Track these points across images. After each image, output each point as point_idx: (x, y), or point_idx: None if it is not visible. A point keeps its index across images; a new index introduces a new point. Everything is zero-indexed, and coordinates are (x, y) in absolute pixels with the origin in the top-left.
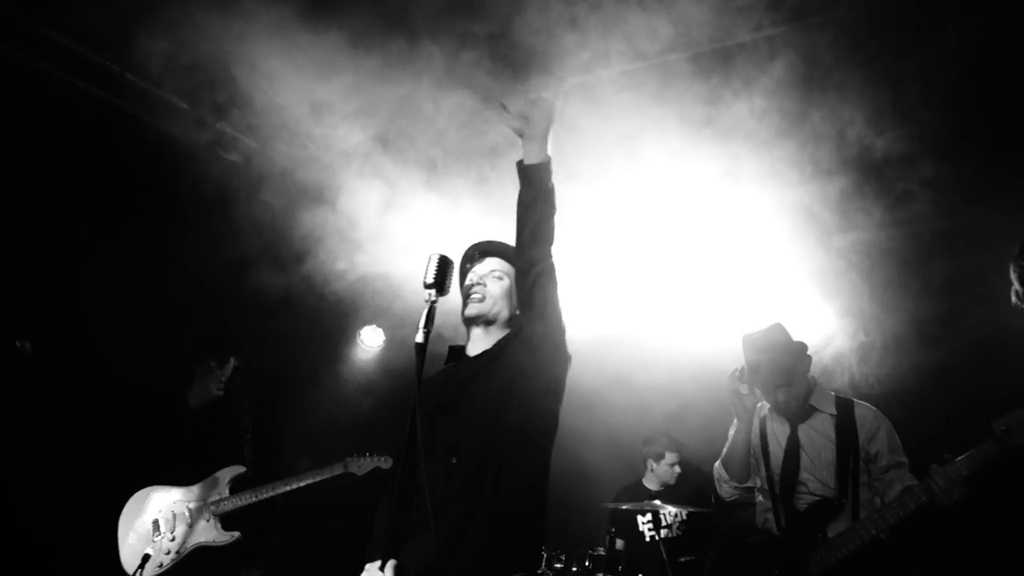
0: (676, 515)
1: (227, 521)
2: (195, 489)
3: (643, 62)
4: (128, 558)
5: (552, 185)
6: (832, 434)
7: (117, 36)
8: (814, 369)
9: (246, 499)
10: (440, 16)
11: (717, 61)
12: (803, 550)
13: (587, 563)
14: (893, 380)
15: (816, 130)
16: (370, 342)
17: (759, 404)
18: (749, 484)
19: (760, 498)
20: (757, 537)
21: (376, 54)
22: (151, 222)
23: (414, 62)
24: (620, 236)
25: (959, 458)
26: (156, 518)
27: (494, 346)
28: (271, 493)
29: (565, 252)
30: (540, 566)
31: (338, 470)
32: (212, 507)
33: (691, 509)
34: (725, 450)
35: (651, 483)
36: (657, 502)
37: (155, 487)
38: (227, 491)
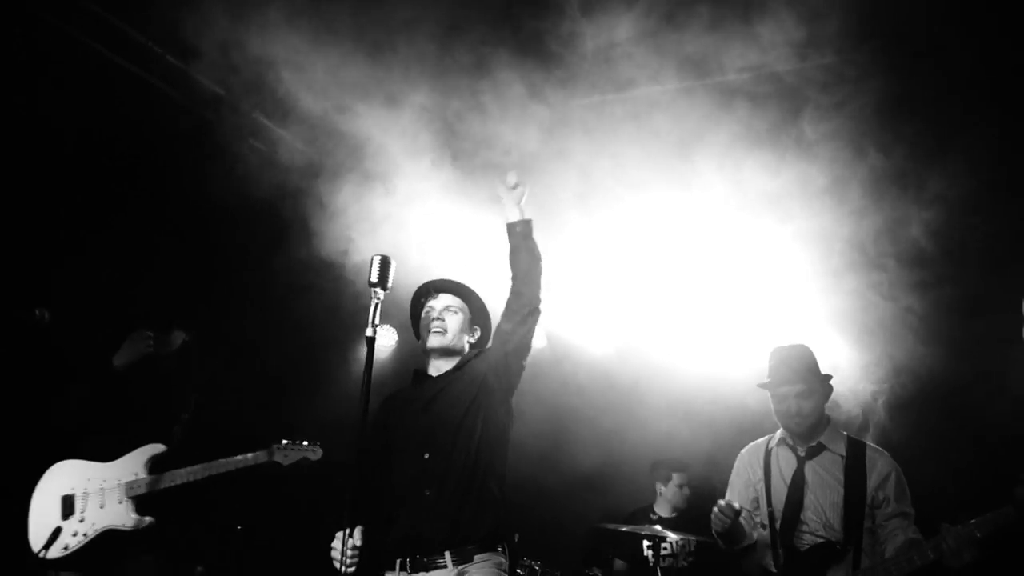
0: (684, 545)
1: (142, 505)
2: (113, 466)
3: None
4: (36, 534)
5: (533, 239)
6: (840, 475)
7: (164, 21)
8: (829, 408)
9: (163, 483)
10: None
11: (754, 85)
12: None
13: None
14: (909, 428)
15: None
16: (381, 341)
17: (766, 437)
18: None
19: (760, 532)
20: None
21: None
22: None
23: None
24: (638, 256)
25: (973, 520)
26: (70, 494)
27: (454, 367)
28: (189, 479)
29: (584, 268)
30: (504, 547)
31: (262, 458)
32: (126, 488)
33: (700, 539)
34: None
35: (662, 508)
36: (658, 527)
37: (73, 460)
38: (144, 472)
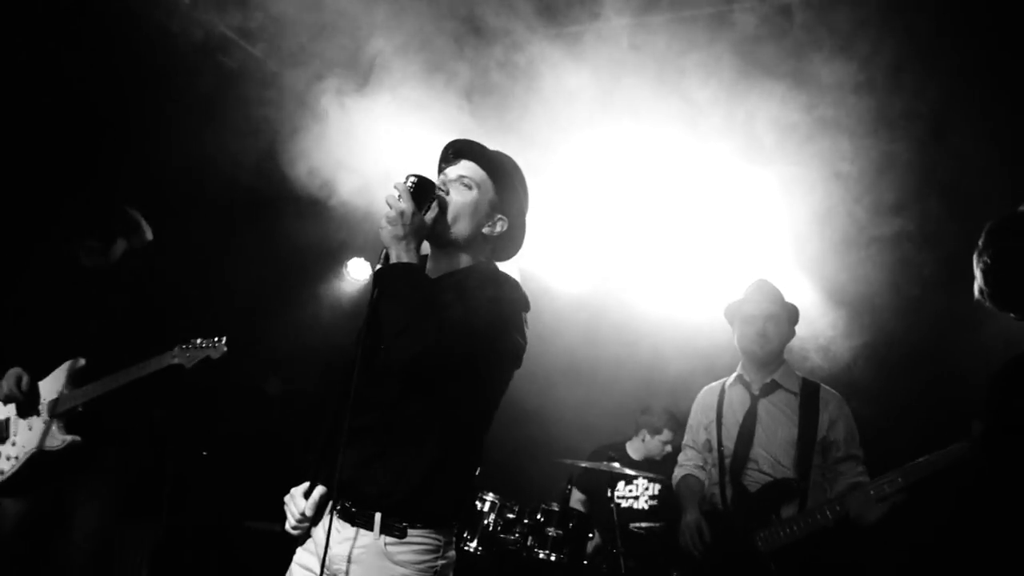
0: (647, 488)
1: (71, 425)
2: (41, 385)
3: (661, 15)
4: None
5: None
6: (794, 414)
7: None
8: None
9: (78, 398)
10: None
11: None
12: (752, 527)
13: (539, 516)
14: (864, 368)
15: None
16: (356, 275)
17: (722, 379)
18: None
19: (708, 471)
20: (703, 510)
21: None
22: (139, 118)
23: None
24: (615, 193)
25: (908, 463)
26: (4, 419)
27: (450, 274)
28: (100, 391)
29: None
30: (458, 512)
31: (165, 362)
32: (49, 407)
33: (663, 479)
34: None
35: (635, 452)
36: (626, 470)
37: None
38: (67, 388)
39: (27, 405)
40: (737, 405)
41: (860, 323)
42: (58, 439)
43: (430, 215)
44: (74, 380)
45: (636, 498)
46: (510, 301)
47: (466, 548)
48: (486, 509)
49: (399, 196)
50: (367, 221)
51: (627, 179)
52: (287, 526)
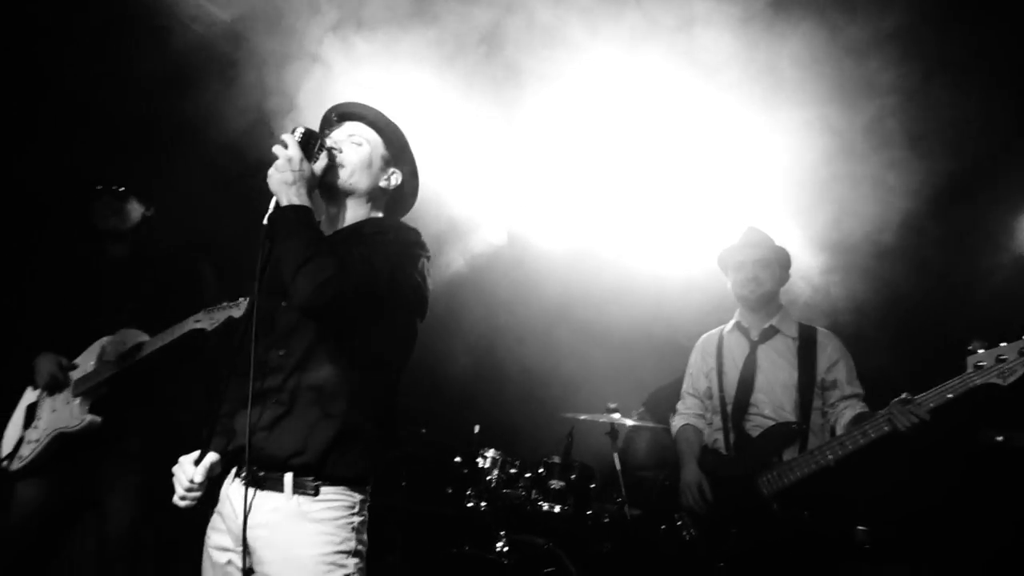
0: (644, 432)
1: (96, 405)
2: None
3: None
4: (6, 443)
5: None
6: (793, 357)
7: None
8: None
9: (100, 375)
10: None
11: None
12: (754, 471)
13: (541, 470)
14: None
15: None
16: None
17: (720, 327)
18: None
19: (710, 417)
20: (707, 457)
21: None
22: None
23: None
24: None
25: (922, 395)
26: (34, 402)
27: (352, 227)
28: (124, 364)
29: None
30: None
31: (188, 326)
32: (74, 386)
33: (660, 426)
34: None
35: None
36: (626, 420)
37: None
38: (92, 366)
39: (60, 386)
40: (736, 352)
41: (852, 266)
42: (77, 418)
43: (319, 165)
44: (102, 358)
45: (631, 439)
46: (408, 243)
47: (470, 505)
48: (488, 465)
49: (285, 145)
50: None
51: (618, 125)
52: (175, 498)
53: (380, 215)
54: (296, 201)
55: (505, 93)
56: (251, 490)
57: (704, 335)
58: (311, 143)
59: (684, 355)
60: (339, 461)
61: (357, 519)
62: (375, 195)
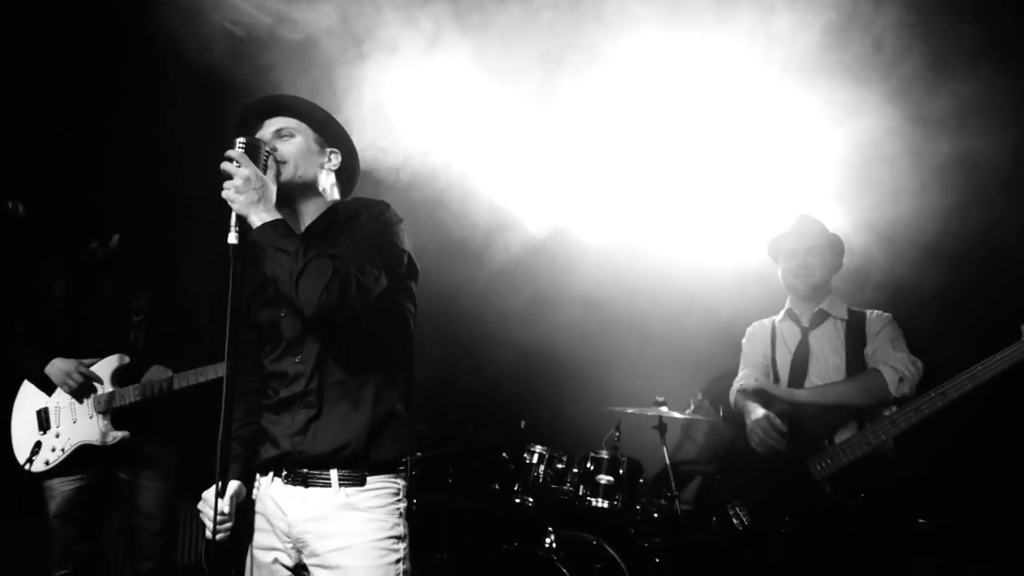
0: (694, 426)
1: (118, 418)
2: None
3: None
4: (19, 448)
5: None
6: (843, 341)
7: None
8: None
9: (130, 396)
10: None
11: None
12: (806, 455)
13: (588, 464)
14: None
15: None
16: None
17: (770, 318)
18: None
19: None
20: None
21: None
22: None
23: None
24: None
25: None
26: (44, 407)
27: (321, 221)
28: (146, 394)
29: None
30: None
31: (215, 374)
32: (95, 403)
33: (708, 419)
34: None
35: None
36: (674, 413)
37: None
38: (110, 384)
39: (83, 392)
40: (789, 339)
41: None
42: (107, 434)
43: (270, 173)
44: (119, 377)
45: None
46: (382, 216)
47: (517, 501)
48: (535, 461)
49: (237, 164)
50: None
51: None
52: (207, 533)
53: (338, 198)
54: (268, 217)
55: (548, 80)
56: (292, 488)
57: (755, 323)
58: (257, 151)
59: (733, 346)
60: (381, 445)
61: (402, 505)
62: (324, 180)
